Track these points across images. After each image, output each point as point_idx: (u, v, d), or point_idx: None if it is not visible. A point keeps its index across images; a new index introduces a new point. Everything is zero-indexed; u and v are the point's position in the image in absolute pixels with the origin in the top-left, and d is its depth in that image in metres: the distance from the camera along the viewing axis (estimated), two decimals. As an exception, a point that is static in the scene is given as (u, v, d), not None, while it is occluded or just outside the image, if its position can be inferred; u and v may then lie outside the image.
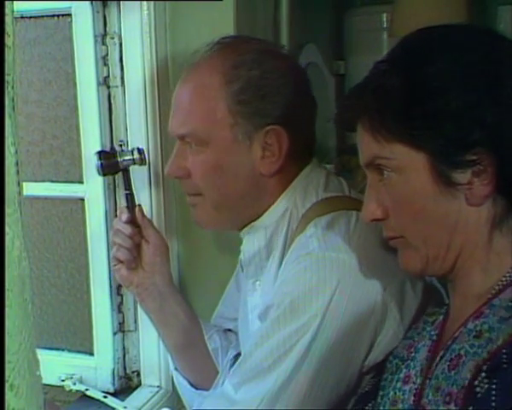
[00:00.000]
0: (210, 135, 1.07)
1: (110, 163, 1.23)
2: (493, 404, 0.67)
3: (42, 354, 0.56)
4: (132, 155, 1.24)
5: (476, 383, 0.70)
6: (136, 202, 1.26)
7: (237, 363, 1.04)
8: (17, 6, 0.54)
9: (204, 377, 1.25)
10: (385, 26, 2.48)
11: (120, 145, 1.26)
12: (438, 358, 0.79)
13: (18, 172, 0.52)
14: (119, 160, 1.23)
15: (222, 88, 1.06)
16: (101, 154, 1.23)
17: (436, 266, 0.82)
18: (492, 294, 0.77)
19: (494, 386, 0.68)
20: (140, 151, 1.25)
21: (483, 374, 0.70)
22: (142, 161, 1.25)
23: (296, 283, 0.98)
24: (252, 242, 1.13)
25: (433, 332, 0.87)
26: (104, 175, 1.25)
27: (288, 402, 0.95)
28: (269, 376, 0.96)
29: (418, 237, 0.82)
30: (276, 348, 0.96)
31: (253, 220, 1.12)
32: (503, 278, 0.77)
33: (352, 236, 0.99)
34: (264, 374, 0.96)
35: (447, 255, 0.81)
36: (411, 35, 0.85)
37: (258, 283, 1.15)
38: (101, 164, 1.21)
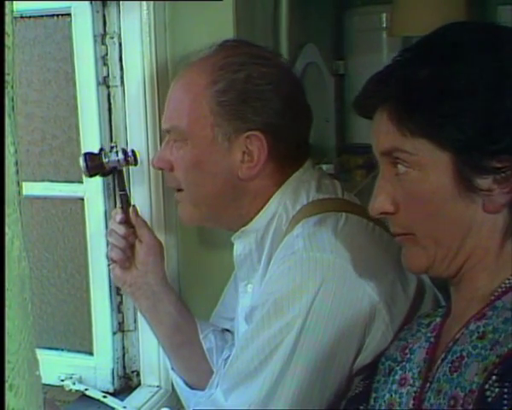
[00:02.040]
0: (191, 132, 1.08)
1: (95, 165, 1.22)
2: (505, 408, 0.66)
3: (41, 354, 0.56)
4: (117, 156, 1.24)
5: (486, 386, 0.68)
6: (131, 202, 1.27)
7: (226, 367, 1.04)
8: (17, 6, 0.54)
9: (199, 377, 1.25)
10: (384, 25, 2.48)
11: (112, 147, 1.26)
12: (439, 360, 0.78)
13: (17, 171, 0.52)
14: (104, 161, 1.23)
15: (207, 88, 1.07)
16: (86, 155, 1.23)
17: (442, 267, 0.80)
18: (495, 296, 0.76)
19: (506, 390, 0.67)
20: (125, 152, 1.24)
21: (494, 377, 0.68)
22: (127, 163, 1.25)
23: (280, 282, 0.97)
24: (242, 245, 1.13)
25: (429, 334, 0.85)
26: (90, 176, 1.24)
27: (276, 406, 0.94)
28: (256, 379, 0.95)
29: (429, 235, 0.79)
30: (262, 349, 0.96)
31: (244, 225, 1.11)
32: (507, 281, 0.76)
33: (338, 236, 0.98)
34: (252, 378, 0.96)
35: (455, 258, 0.79)
36: (443, 29, 0.81)
37: (249, 285, 1.15)
38: (87, 165, 1.21)
